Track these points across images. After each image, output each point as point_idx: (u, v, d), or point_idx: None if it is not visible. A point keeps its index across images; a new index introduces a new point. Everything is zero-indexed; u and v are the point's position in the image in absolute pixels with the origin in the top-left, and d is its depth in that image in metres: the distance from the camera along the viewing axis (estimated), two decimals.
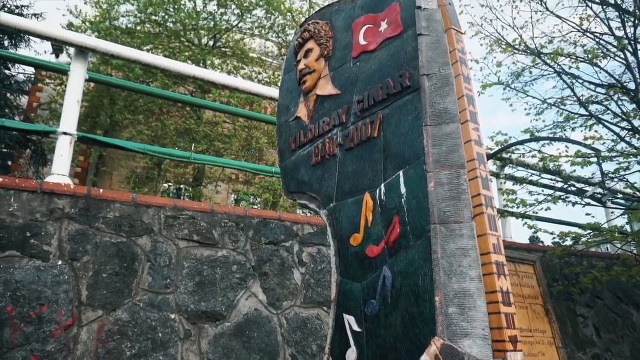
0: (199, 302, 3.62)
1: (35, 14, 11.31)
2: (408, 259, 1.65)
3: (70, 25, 10.93)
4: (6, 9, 10.80)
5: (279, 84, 3.20)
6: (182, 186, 12.88)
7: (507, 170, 6.25)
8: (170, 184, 12.87)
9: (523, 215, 5.39)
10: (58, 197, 3.39)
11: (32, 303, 3.05)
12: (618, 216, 6.06)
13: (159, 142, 10.81)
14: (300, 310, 4.03)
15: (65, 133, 3.83)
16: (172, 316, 3.48)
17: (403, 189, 1.73)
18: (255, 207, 12.26)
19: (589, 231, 5.20)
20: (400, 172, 1.77)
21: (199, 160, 5.08)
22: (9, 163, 11.17)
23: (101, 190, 3.62)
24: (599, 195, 5.81)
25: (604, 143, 5.31)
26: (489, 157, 5.77)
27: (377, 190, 1.86)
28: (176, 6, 11.62)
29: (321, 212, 2.21)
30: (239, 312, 3.76)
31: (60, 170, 3.72)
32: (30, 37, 9.83)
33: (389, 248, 1.75)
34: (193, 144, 10.03)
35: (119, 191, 3.84)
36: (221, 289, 3.75)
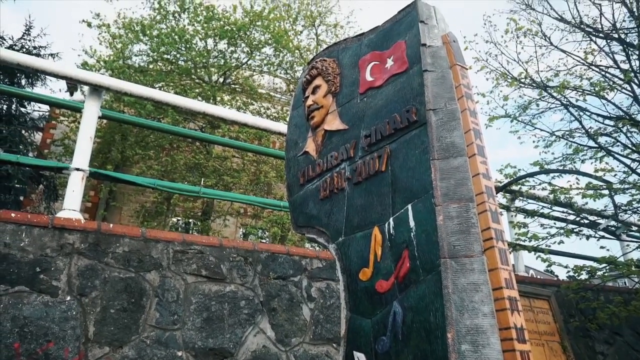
0: (206, 338, 3.56)
1: (52, 54, 11.71)
2: (419, 294, 1.62)
3: (85, 65, 11.29)
4: (24, 50, 11.21)
5: (287, 119, 3.24)
6: (190, 220, 12.91)
7: (518, 203, 6.19)
8: (179, 218, 12.91)
9: (535, 249, 5.30)
10: (69, 233, 3.41)
11: (39, 339, 3.02)
12: (634, 249, 5.93)
13: (168, 176, 10.92)
14: (309, 347, 3.94)
15: (77, 169, 3.89)
16: (179, 354, 3.42)
17: (412, 223, 1.73)
18: (264, 241, 12.21)
19: (604, 265, 5.09)
20: (409, 206, 1.76)
21: (208, 195, 5.11)
22: (21, 199, 11.31)
23: (111, 225, 3.63)
24: (612, 228, 5.71)
25: (615, 175, 5.27)
26: (499, 189, 5.74)
27: (386, 224, 1.85)
28: (188, 45, 11.99)
29: (330, 246, 2.20)
30: (247, 349, 3.69)
31: (71, 205, 3.75)
32: (47, 76, 10.17)
33: (399, 283, 1.73)
34: (202, 179, 10.11)
35: (128, 226, 3.86)
36: (229, 325, 3.69)
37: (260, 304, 3.90)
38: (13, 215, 3.29)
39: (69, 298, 3.23)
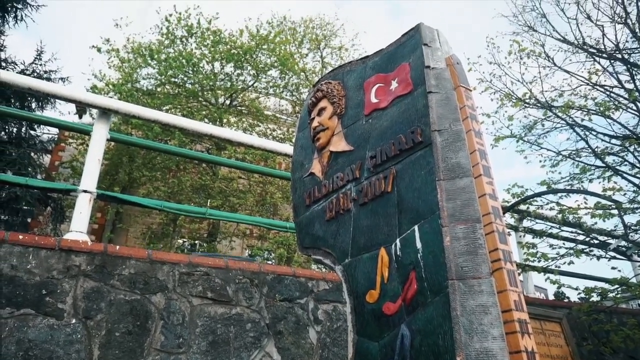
0: None
1: (62, 78, 11.93)
2: (426, 316, 1.60)
3: (94, 88, 11.49)
4: (35, 74, 11.44)
5: (293, 140, 3.26)
6: (196, 242, 12.90)
7: (526, 223, 6.13)
8: (184, 239, 12.90)
9: (545, 270, 5.22)
10: (75, 255, 3.42)
11: None
12: None
13: (175, 198, 10.97)
14: None
15: (85, 191, 3.92)
16: None
17: (419, 244, 1.71)
18: (270, 262, 12.15)
19: (616, 286, 4.99)
20: (416, 227, 1.75)
21: (214, 216, 5.11)
22: (29, 220, 11.37)
23: (117, 247, 3.64)
24: (623, 249, 5.63)
25: (624, 195, 5.22)
26: (506, 210, 5.70)
27: (393, 246, 1.84)
28: (195, 68, 12.20)
29: (336, 267, 2.18)
30: None
31: (78, 227, 3.77)
32: (57, 100, 10.34)
33: (406, 305, 1.71)
34: (208, 200, 10.15)
35: (134, 248, 3.86)
36: (235, 349, 3.64)
37: (266, 327, 3.86)
38: (20, 237, 3.31)
39: (74, 321, 3.21)
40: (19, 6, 11.17)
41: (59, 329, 3.14)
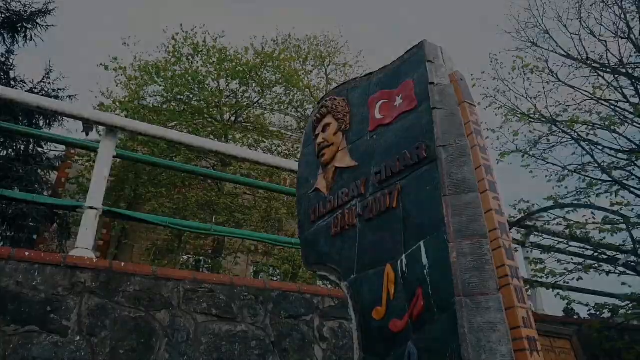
0: None
1: (69, 96, 12.05)
2: (433, 334, 1.58)
3: (101, 106, 11.63)
4: (44, 93, 11.58)
5: (298, 156, 3.29)
6: (201, 258, 12.86)
7: (533, 238, 6.08)
8: (189, 255, 12.87)
9: (554, 286, 5.16)
10: (81, 271, 3.41)
11: None
12: None
13: (180, 214, 10.98)
14: None
15: (91, 207, 3.93)
16: None
17: (425, 260, 1.70)
18: (275, 279, 12.08)
19: (627, 302, 4.92)
20: (421, 243, 1.74)
21: (220, 232, 5.11)
22: (35, 237, 11.39)
23: (123, 263, 3.63)
24: (633, 264, 5.56)
25: (632, 209, 5.18)
26: (513, 225, 5.66)
27: (399, 262, 1.83)
28: (200, 86, 12.33)
29: (342, 284, 2.16)
30: None
31: (84, 244, 3.77)
32: (65, 117, 10.45)
33: (413, 322, 1.69)
34: (214, 216, 10.15)
35: (140, 264, 3.86)
36: None
37: (271, 345, 3.82)
38: (26, 253, 3.31)
39: (78, 338, 3.20)
40: (29, 26, 11.37)
41: (63, 346, 3.13)
